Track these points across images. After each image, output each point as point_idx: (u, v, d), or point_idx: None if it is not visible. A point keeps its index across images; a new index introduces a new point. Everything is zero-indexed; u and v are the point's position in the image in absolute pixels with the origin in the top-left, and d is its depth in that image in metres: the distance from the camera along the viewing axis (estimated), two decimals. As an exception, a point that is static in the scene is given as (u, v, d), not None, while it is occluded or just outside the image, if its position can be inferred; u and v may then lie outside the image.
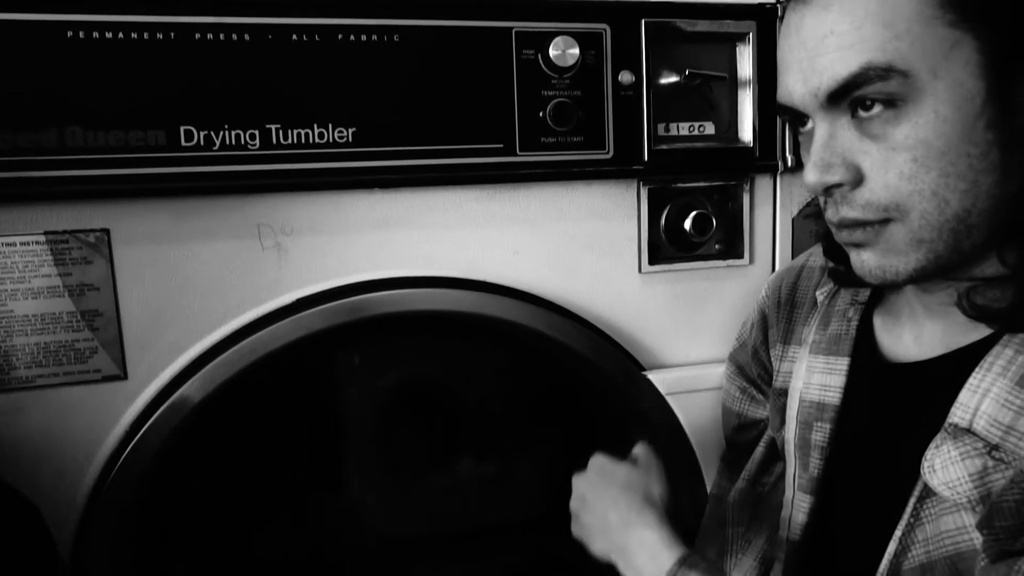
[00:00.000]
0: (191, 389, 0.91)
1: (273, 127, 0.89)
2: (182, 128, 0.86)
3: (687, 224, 1.04)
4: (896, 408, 0.75)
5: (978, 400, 0.65)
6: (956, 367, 0.68)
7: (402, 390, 1.08)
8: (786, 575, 0.85)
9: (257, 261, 0.93)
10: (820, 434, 0.81)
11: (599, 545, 0.83)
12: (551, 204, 1.01)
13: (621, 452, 0.89)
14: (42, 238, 0.87)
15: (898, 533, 0.70)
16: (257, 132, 0.88)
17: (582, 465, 0.91)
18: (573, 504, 0.88)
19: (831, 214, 0.67)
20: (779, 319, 0.92)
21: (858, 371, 0.80)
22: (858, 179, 0.64)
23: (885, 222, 0.64)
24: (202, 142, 0.87)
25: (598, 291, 1.04)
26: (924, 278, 0.67)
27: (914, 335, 0.75)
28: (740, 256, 1.08)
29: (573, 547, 0.85)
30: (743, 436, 1.02)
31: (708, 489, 1.08)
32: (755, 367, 0.98)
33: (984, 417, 0.65)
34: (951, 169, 0.61)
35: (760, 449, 0.99)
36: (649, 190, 1.03)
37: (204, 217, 0.91)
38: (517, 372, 1.10)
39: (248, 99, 0.88)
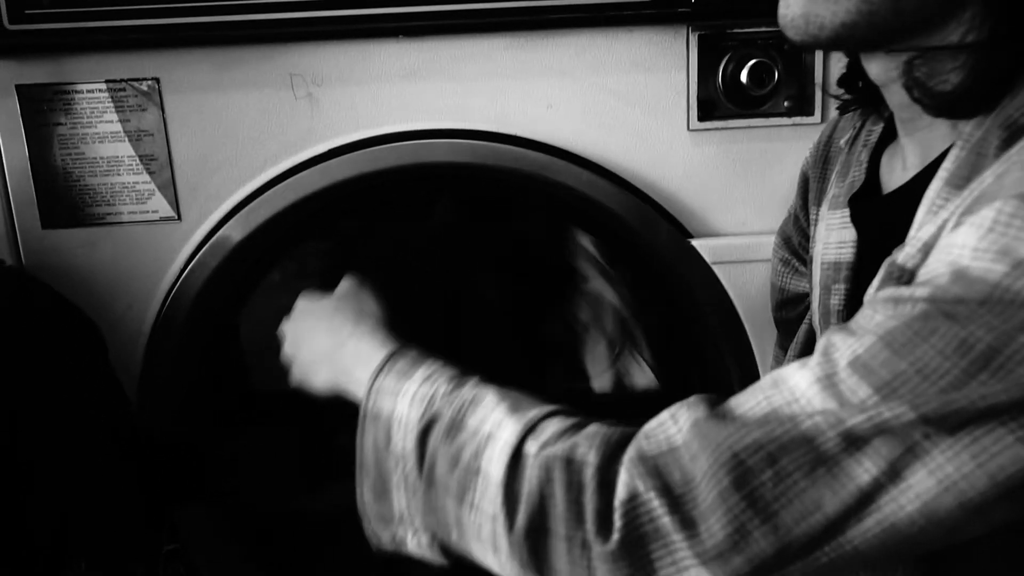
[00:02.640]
0: (231, 230, 0.97)
1: (298, -26, 0.91)
2: (215, -23, 0.91)
3: (744, 75, 0.94)
4: (883, 251, 0.65)
5: (920, 221, 0.56)
6: (921, 187, 0.58)
7: (430, 240, 1.09)
8: None
9: (291, 111, 0.96)
10: (837, 298, 0.72)
11: (321, 378, 0.71)
12: (588, 54, 0.95)
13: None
14: (103, 86, 0.96)
15: None
16: (284, -21, 0.91)
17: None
18: (285, 352, 0.76)
19: None
20: (814, 178, 0.83)
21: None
22: None
23: None
24: (233, -10, 0.91)
25: (641, 150, 0.97)
26: (856, 41, 0.57)
27: (902, 160, 0.65)
28: (810, 113, 0.96)
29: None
30: (786, 314, 0.93)
31: (760, 372, 0.99)
32: (796, 235, 0.88)
33: (917, 242, 0.54)
34: None
35: (804, 326, 0.90)
36: (700, 37, 0.94)
37: (242, 67, 0.95)
38: (550, 233, 1.06)
39: (274, -54, 0.90)
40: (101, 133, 0.97)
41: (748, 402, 0.51)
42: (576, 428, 0.54)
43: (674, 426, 0.52)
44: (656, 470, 0.49)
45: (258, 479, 1.10)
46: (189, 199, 0.99)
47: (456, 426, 0.57)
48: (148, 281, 1.01)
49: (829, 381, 0.48)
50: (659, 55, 0.95)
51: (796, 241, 0.89)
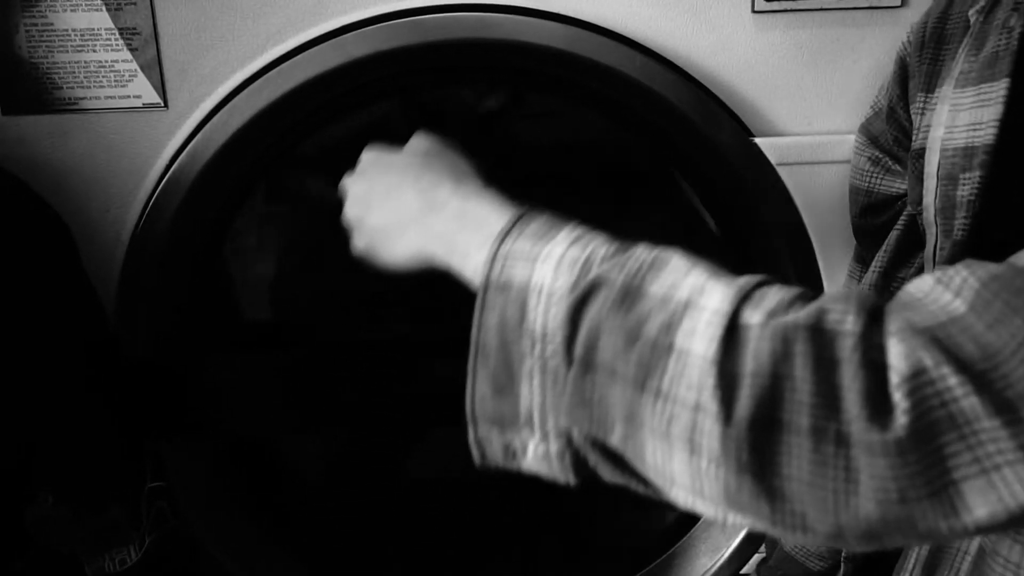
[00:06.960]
0: (226, 118, 0.84)
1: None
2: None
3: (818, -54, 0.83)
4: None
5: None
6: None
7: (458, 125, 0.97)
8: None
9: (299, -22, 0.83)
10: (967, 187, 0.61)
11: (403, 245, 0.55)
12: (642, -82, 0.83)
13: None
14: (75, -59, 0.82)
15: None
16: None
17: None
18: (350, 212, 0.59)
19: None
20: (922, 62, 0.73)
21: (1020, 95, 0.59)
22: None
23: None
24: None
25: (697, 34, 0.86)
26: None
27: None
28: (892, -7, 0.85)
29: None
30: (873, 220, 0.83)
31: (825, 284, 0.89)
32: (892, 131, 0.78)
33: None
34: None
35: (896, 232, 0.80)
36: (770, -99, 0.83)
37: (242, -75, 0.82)
38: (594, 125, 0.95)
39: None
40: (74, 1, 0.83)
41: None
42: (806, 298, 0.41)
43: (947, 292, 0.40)
44: (940, 342, 0.38)
45: (248, 411, 0.97)
46: (177, 82, 0.85)
47: (632, 294, 0.43)
48: (128, 180, 0.87)
49: None
50: (723, -79, 0.83)
51: (891, 137, 0.78)
